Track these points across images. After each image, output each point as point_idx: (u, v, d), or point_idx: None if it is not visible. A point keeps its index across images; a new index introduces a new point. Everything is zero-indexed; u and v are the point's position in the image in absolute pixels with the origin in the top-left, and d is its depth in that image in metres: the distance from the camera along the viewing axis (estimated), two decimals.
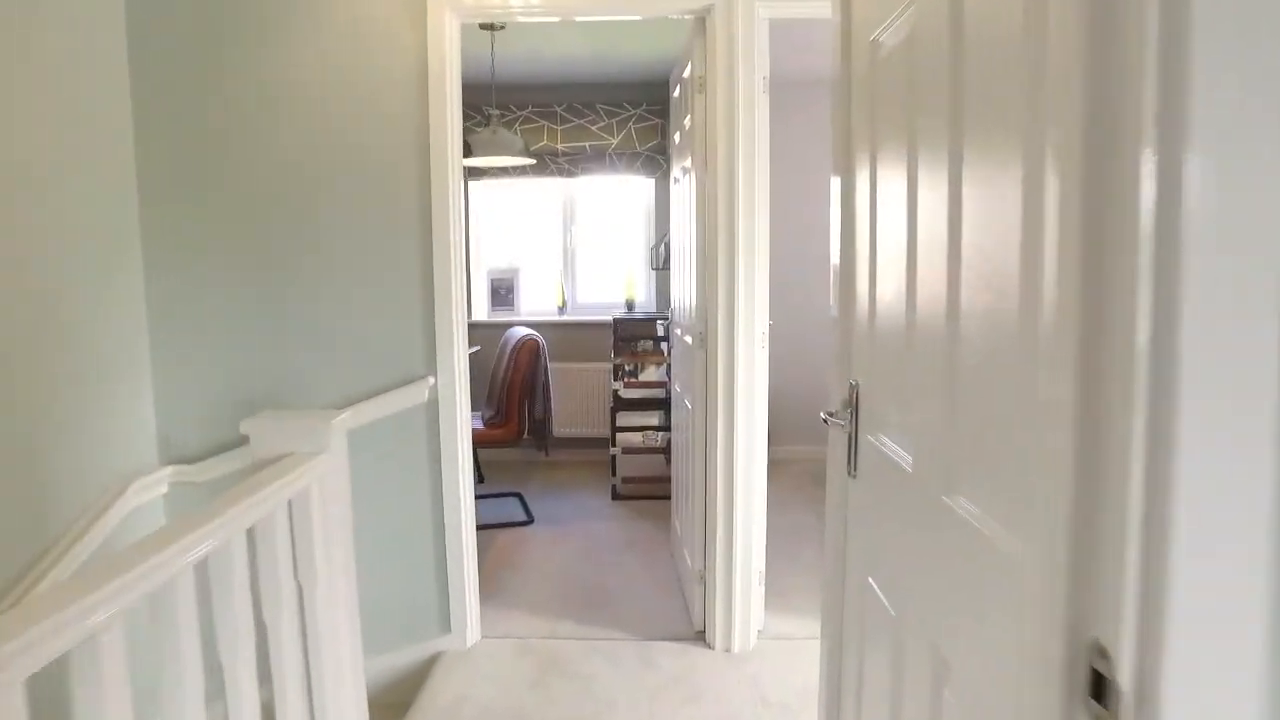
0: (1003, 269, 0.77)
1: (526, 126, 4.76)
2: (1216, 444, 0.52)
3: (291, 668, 1.40)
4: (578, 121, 4.76)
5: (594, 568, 3.29)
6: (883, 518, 1.21)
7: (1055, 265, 0.65)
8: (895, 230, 1.12)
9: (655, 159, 4.80)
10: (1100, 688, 0.58)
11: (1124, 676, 0.55)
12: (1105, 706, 0.57)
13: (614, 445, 4.25)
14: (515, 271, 5.06)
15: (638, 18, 2.55)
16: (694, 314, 2.68)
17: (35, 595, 1.96)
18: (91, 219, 2.24)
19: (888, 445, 1.17)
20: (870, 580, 1.26)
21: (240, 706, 1.24)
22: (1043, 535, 0.67)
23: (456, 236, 2.49)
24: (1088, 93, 0.59)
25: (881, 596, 1.20)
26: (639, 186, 5.00)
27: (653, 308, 5.00)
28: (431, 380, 2.48)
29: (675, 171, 3.22)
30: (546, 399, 4.02)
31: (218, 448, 2.51)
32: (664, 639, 2.67)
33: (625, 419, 4.33)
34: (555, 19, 2.47)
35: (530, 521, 3.86)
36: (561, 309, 5.02)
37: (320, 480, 1.50)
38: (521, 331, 4.06)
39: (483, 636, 2.69)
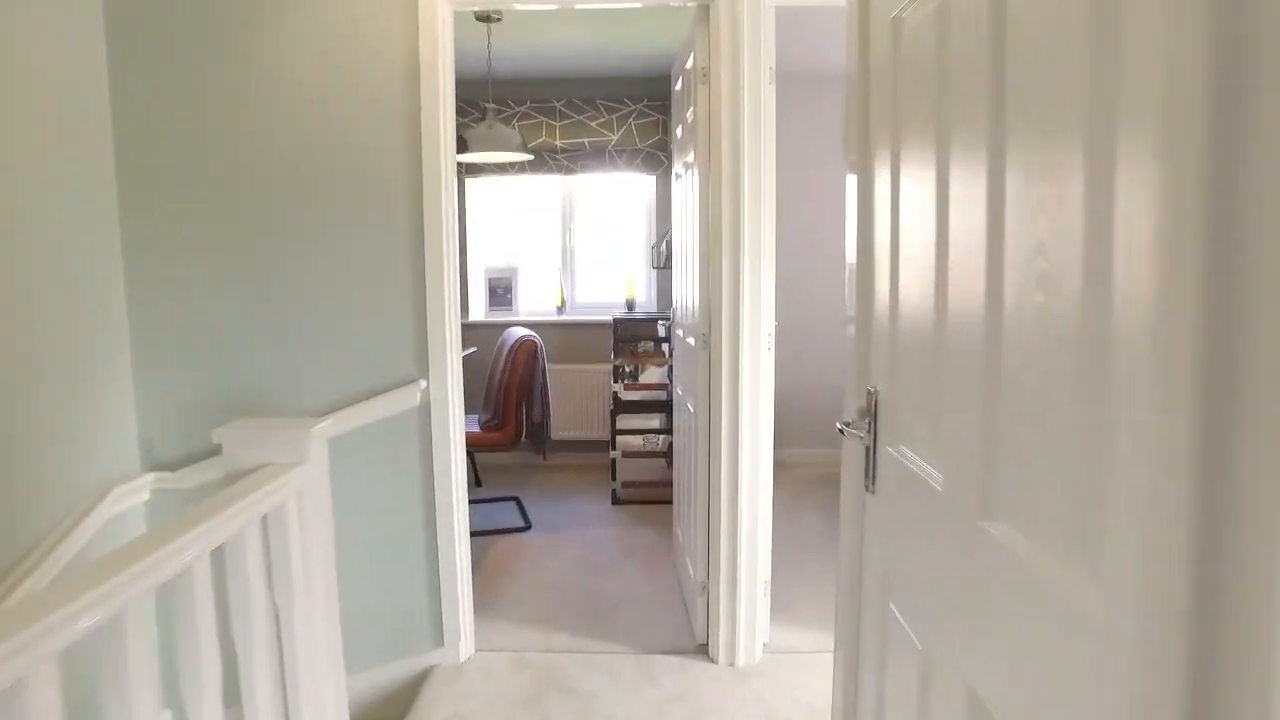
0: (1065, 266, 0.67)
1: (524, 122, 4.66)
2: None
3: (264, 696, 1.30)
4: (577, 117, 4.65)
5: (593, 576, 3.19)
6: (906, 538, 1.11)
7: (1157, 261, 0.53)
8: (922, 227, 1.02)
9: (656, 155, 4.70)
10: None
11: None
12: None
13: (614, 449, 4.15)
14: (513, 271, 4.96)
15: (638, 5, 2.45)
16: (696, 314, 2.58)
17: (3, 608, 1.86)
18: (70, 218, 2.14)
19: (912, 460, 1.07)
20: (891, 606, 1.15)
21: None
22: (1136, 587, 0.56)
23: (450, 234, 2.38)
24: (1215, 43, 0.49)
25: (905, 625, 1.10)
26: (639, 184, 4.90)
27: (653, 307, 4.90)
28: (423, 383, 2.38)
29: (677, 167, 3.12)
30: (544, 402, 3.92)
31: (202, 454, 2.41)
32: (665, 652, 2.57)
33: (625, 422, 4.23)
34: (553, 6, 2.37)
35: (528, 527, 3.76)
36: (560, 309, 4.92)
37: (299, 494, 1.40)
38: (519, 332, 3.96)
39: (477, 650, 2.59)
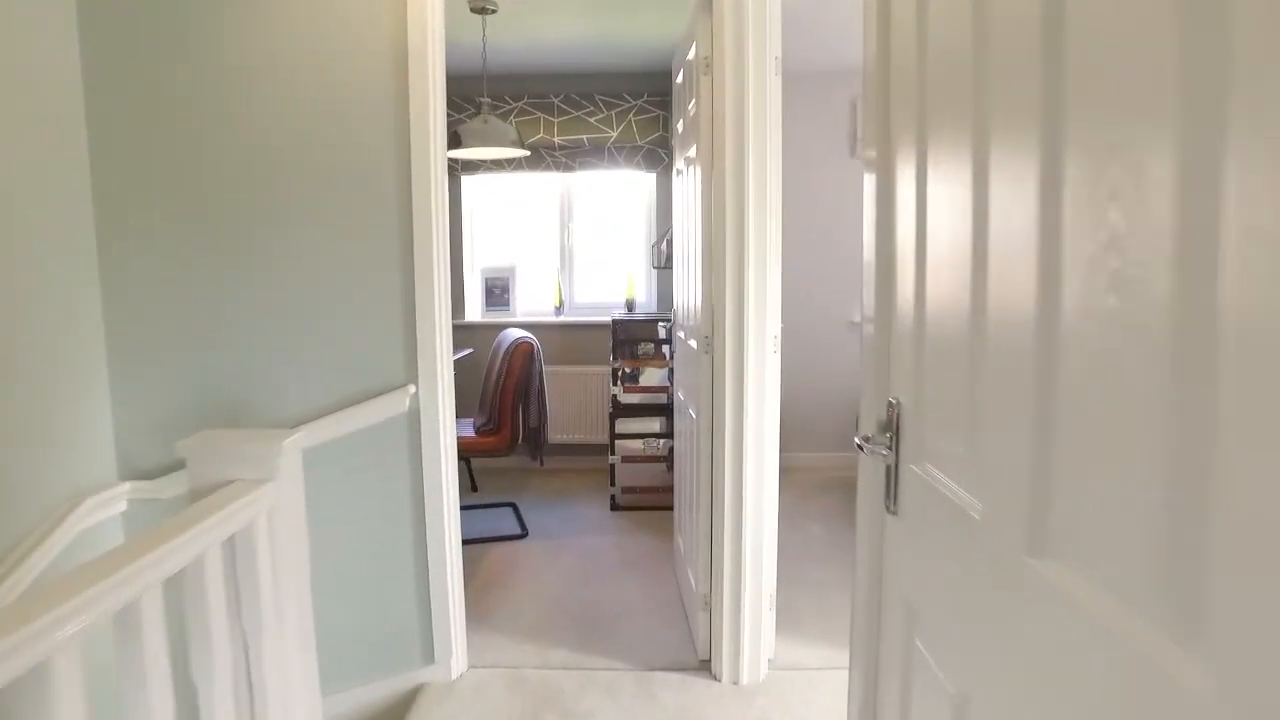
0: (1148, 264, 0.55)
1: (521, 119, 4.55)
2: None
3: None
4: (575, 113, 4.54)
5: (591, 587, 3.07)
6: (933, 567, 0.99)
7: None
8: (956, 224, 0.91)
9: (656, 152, 4.59)
10: None
11: None
12: None
13: (613, 453, 4.04)
14: (511, 270, 4.85)
15: None
16: (698, 316, 2.47)
17: None
18: (40, 216, 2.02)
19: (942, 482, 0.96)
20: (917, 641, 1.04)
21: None
22: (1263, 672, 0.45)
23: (440, 231, 2.27)
24: None
25: (933, 664, 0.99)
26: (639, 181, 4.79)
27: (654, 308, 4.79)
28: (412, 388, 2.27)
29: (678, 163, 3.01)
30: (541, 405, 3.80)
31: (182, 462, 2.29)
32: (666, 669, 2.46)
33: (625, 425, 4.12)
34: None
35: (524, 535, 3.65)
36: (559, 309, 4.81)
37: (268, 513, 1.29)
38: (515, 334, 3.85)
39: (469, 666, 2.48)
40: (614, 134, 4.56)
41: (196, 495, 1.28)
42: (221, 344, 2.27)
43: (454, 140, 3.38)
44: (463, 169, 4.63)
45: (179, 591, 1.15)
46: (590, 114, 4.55)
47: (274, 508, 1.30)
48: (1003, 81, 0.79)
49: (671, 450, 3.88)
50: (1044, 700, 0.71)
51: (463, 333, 4.71)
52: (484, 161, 4.60)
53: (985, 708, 0.84)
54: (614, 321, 4.20)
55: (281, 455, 1.30)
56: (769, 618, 2.43)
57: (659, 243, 4.54)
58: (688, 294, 2.75)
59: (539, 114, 4.54)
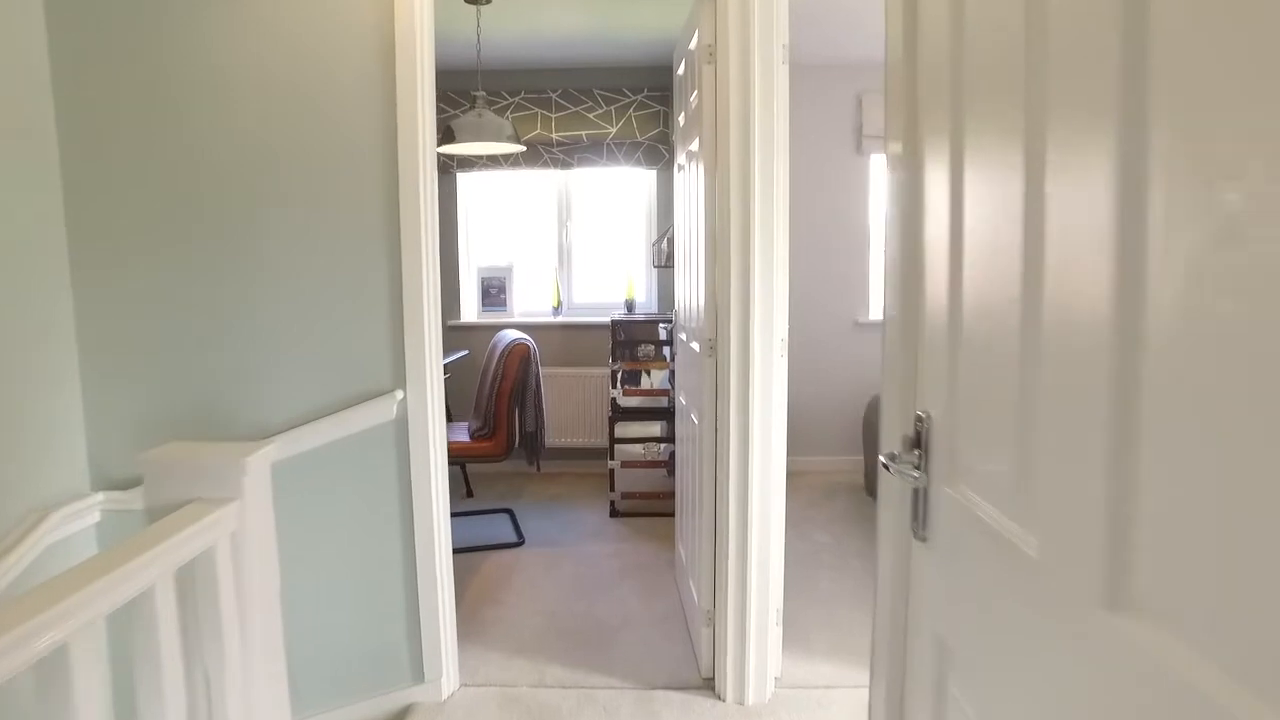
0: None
1: (518, 114, 4.43)
2: None
3: None
4: (573, 109, 4.43)
5: (590, 599, 2.96)
6: (974, 607, 0.88)
7: None
8: (1005, 222, 0.79)
9: (657, 149, 4.47)
10: None
11: None
12: None
13: (612, 458, 3.92)
14: (508, 270, 4.73)
15: None
16: (701, 317, 2.35)
17: None
18: (8, 218, 1.91)
19: (983, 509, 0.85)
20: (953, 688, 0.93)
21: None
22: None
23: (430, 229, 2.16)
24: None
25: (973, 716, 0.87)
26: (639, 178, 4.67)
27: (654, 309, 4.67)
28: (400, 394, 2.16)
29: (679, 158, 2.89)
30: (538, 410, 3.69)
31: None
32: (667, 687, 2.34)
33: (624, 429, 4.00)
34: None
35: (521, 543, 3.53)
36: (557, 310, 4.69)
37: (232, 536, 1.18)
38: (511, 335, 3.73)
39: (461, 685, 2.37)
40: (613, 130, 4.44)
41: (153, 517, 1.16)
42: (199, 347, 2.15)
43: (447, 135, 3.27)
44: (458, 166, 4.51)
45: (129, 627, 1.03)
46: (589, 109, 4.43)
47: (238, 530, 1.19)
48: (1067, 68, 0.67)
49: (673, 455, 3.76)
50: None
51: (459, 334, 4.59)
52: (480, 158, 4.48)
53: None
54: (613, 322, 4.09)
55: (246, 472, 1.18)
56: (775, 634, 2.32)
57: (659, 241, 4.42)
58: (690, 294, 2.63)
59: (536, 109, 4.42)
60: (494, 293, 4.73)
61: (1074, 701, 0.66)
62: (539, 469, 3.93)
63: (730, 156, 2.10)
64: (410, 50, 2.06)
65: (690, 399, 2.62)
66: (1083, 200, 0.64)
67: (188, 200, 2.10)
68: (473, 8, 3.27)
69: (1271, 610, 0.45)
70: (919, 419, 1.01)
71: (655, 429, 4.04)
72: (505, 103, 4.43)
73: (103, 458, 2.19)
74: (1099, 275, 0.61)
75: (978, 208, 0.86)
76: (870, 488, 4.10)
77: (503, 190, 4.77)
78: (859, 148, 4.39)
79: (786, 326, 2.22)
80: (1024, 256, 0.74)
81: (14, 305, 1.93)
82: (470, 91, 3.91)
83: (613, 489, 3.91)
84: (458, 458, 3.44)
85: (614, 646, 2.59)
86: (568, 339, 4.63)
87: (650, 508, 3.90)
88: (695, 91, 2.37)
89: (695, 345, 2.48)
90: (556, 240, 4.74)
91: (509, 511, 3.92)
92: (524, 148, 3.67)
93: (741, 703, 2.25)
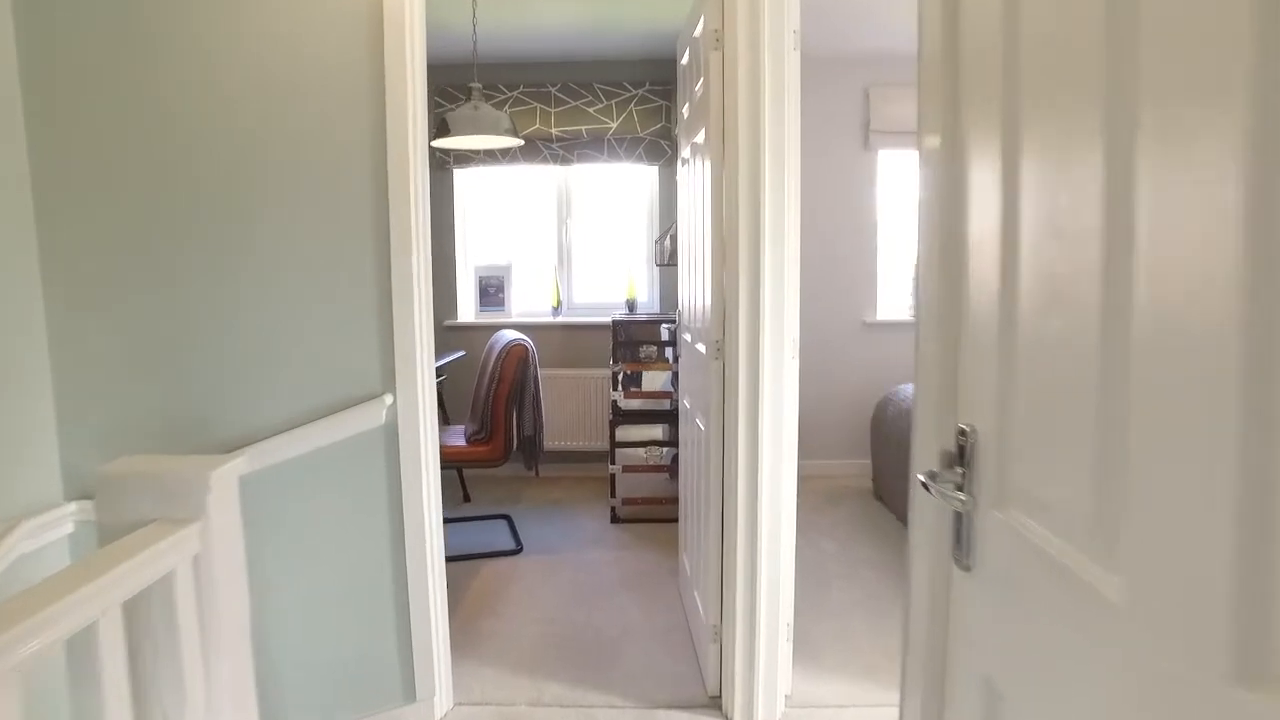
0: None
1: (516, 109, 4.32)
2: None
3: None
4: (573, 103, 4.31)
5: (590, 610, 2.84)
6: (1035, 652, 0.76)
7: None
8: (1076, 216, 0.68)
9: (659, 144, 4.35)
10: None
11: None
12: None
13: (613, 462, 3.80)
14: (506, 268, 4.61)
15: None
16: (707, 318, 2.23)
17: None
18: None
19: (1044, 538, 0.73)
20: None
21: None
22: None
23: (421, 226, 2.04)
24: None
25: None
26: (641, 175, 4.55)
27: (656, 308, 4.56)
28: (389, 398, 2.04)
29: (683, 151, 2.78)
30: (536, 413, 3.57)
31: None
32: (671, 706, 2.23)
33: (625, 432, 3.88)
34: None
35: (519, 550, 3.41)
36: (556, 309, 4.57)
37: (195, 560, 1.06)
38: (509, 336, 3.62)
39: (455, 704, 2.25)
40: (614, 125, 4.32)
41: (106, 539, 1.05)
42: (176, 352, 2.03)
43: (442, 128, 3.15)
44: (454, 161, 4.40)
45: (72, 664, 0.92)
46: (589, 104, 4.31)
47: (202, 553, 1.07)
48: (1158, 51, 0.56)
49: (675, 459, 3.65)
50: None
51: (455, 334, 4.48)
52: (476, 153, 4.37)
53: None
54: (614, 322, 3.97)
55: (211, 489, 1.07)
56: (785, 649, 2.20)
57: (662, 239, 4.31)
58: (694, 293, 2.52)
59: (535, 104, 4.31)
60: (492, 292, 4.61)
61: None
62: (537, 473, 3.82)
63: (739, 148, 1.99)
64: (399, 37, 1.94)
65: (695, 402, 2.51)
66: (1189, 183, 0.53)
67: (164, 199, 1.99)
68: (468, 0, 3.16)
69: None
70: (961, 432, 0.90)
71: (657, 432, 3.92)
72: (503, 97, 4.32)
73: (77, 467, 2.08)
74: (1213, 274, 0.50)
75: (1041, 203, 0.75)
76: (879, 492, 3.98)
77: (501, 187, 4.65)
78: (866, 143, 4.28)
79: (798, 327, 2.11)
80: (1105, 253, 0.63)
81: None
82: (466, 84, 3.79)
83: (613, 494, 3.80)
84: (454, 462, 3.33)
85: (615, 662, 2.47)
86: (567, 339, 4.52)
87: (652, 513, 3.79)
88: (700, 80, 2.26)
89: (700, 346, 2.36)
90: (556, 238, 4.63)
91: (507, 517, 3.81)
92: (521, 141, 3.56)
93: None
